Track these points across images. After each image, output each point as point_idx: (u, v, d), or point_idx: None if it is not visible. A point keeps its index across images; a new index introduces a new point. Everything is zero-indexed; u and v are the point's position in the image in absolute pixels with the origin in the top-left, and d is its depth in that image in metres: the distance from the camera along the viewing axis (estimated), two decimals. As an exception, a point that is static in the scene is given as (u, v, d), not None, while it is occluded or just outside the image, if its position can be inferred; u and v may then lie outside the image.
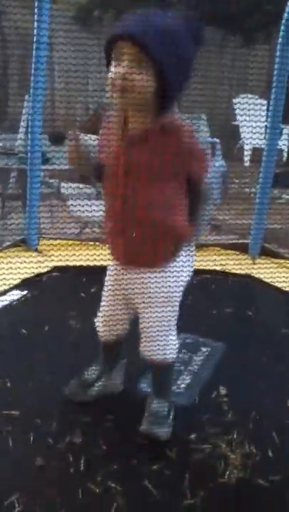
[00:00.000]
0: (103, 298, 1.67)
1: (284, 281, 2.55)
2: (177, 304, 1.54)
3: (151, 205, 1.40)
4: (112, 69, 1.33)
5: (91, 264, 2.61)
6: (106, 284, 1.65)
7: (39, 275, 2.65)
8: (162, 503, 1.36)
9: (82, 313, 2.28)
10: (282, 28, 2.54)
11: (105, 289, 1.66)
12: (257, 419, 1.67)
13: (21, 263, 2.47)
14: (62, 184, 4.31)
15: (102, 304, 1.67)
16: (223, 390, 1.81)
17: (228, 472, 1.44)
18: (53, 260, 2.71)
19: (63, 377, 1.80)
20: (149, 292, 1.50)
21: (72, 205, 3.71)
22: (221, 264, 2.74)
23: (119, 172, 1.40)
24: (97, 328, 1.70)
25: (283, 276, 2.69)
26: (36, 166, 2.75)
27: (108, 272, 1.64)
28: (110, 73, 1.34)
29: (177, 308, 1.55)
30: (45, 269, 2.69)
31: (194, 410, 1.73)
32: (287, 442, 1.59)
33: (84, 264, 2.64)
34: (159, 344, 1.54)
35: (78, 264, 2.62)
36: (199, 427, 1.63)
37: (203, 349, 2.07)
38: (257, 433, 1.62)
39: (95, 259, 2.61)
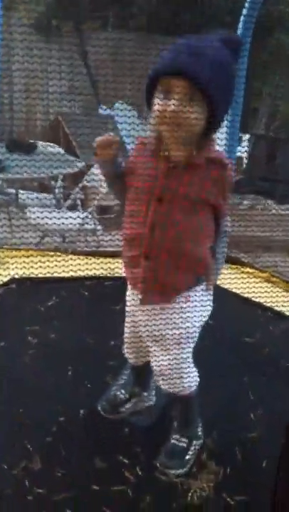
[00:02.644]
0: (125, 325, 1.61)
1: (245, 288, 2.54)
2: (192, 339, 1.48)
3: (181, 234, 1.35)
4: (160, 103, 1.26)
5: (51, 275, 2.57)
6: (126, 312, 1.59)
7: (-5, 288, 2.55)
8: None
9: (41, 328, 2.20)
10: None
11: (126, 317, 1.60)
12: (219, 436, 1.63)
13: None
14: (21, 192, 4.22)
15: (125, 331, 1.62)
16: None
17: (191, 492, 1.40)
18: (10, 272, 2.62)
19: (21, 397, 1.72)
20: (163, 329, 1.42)
21: (31, 213, 3.63)
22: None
23: (153, 198, 1.34)
24: (124, 352, 1.66)
25: (246, 283, 2.68)
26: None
27: (127, 301, 1.57)
28: (157, 106, 1.27)
29: (192, 343, 1.49)
30: (2, 281, 2.59)
31: (156, 429, 1.67)
32: (251, 459, 1.55)
33: (43, 275, 2.58)
34: (174, 378, 1.48)
35: (37, 275, 2.55)
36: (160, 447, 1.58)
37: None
38: (220, 451, 1.58)
39: (55, 270, 2.56)
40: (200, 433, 1.62)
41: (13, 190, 4.20)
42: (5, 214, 3.76)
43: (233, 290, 2.61)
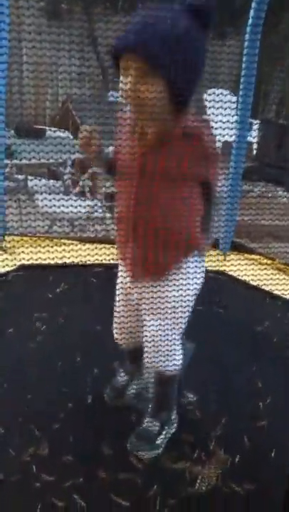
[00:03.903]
0: (115, 305, 1.60)
1: (254, 276, 2.52)
2: (184, 314, 1.47)
3: (165, 211, 1.34)
4: (120, 80, 1.28)
5: (59, 262, 2.56)
6: (117, 291, 1.58)
7: (4, 274, 2.55)
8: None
9: (49, 315, 2.20)
10: (250, 22, 2.52)
11: (117, 296, 1.59)
12: (228, 424, 1.63)
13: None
14: (30, 179, 4.20)
15: (115, 311, 1.61)
16: (191, 396, 1.75)
17: (198, 481, 1.40)
18: (21, 258, 2.61)
19: (29, 384, 1.72)
20: (155, 302, 1.42)
21: (41, 200, 3.62)
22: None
23: (134, 176, 1.34)
24: (115, 336, 1.65)
25: (255, 271, 2.66)
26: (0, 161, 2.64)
27: (119, 278, 1.57)
28: (120, 84, 1.28)
29: (183, 320, 1.48)
30: (11, 268, 2.59)
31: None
32: (260, 448, 1.54)
33: (52, 262, 2.57)
34: (161, 354, 1.47)
35: (46, 262, 2.55)
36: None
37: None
38: (229, 439, 1.57)
39: (64, 257, 2.56)
40: (173, 418, 1.61)
41: (22, 177, 4.18)
42: (14, 200, 3.75)
43: (242, 278, 2.60)
